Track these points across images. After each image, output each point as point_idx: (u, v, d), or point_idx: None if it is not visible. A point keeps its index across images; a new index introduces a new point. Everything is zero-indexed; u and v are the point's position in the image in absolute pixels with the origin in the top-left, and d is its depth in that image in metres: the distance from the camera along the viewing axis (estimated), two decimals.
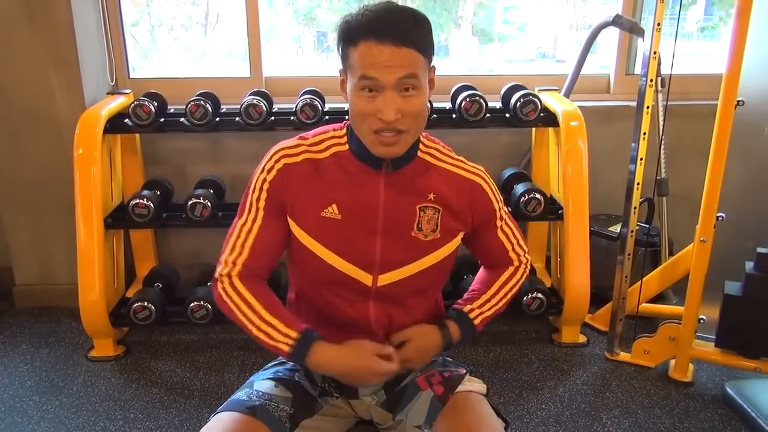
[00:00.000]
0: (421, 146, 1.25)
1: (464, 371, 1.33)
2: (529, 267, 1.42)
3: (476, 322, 1.33)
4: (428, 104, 1.18)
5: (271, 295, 1.25)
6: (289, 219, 1.23)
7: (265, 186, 1.22)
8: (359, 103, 1.13)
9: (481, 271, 1.45)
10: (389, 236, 1.23)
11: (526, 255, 1.41)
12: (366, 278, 1.24)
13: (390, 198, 1.22)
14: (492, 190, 1.31)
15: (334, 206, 1.21)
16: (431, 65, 1.18)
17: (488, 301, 1.36)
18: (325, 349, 1.19)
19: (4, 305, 2.73)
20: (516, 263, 1.40)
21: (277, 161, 1.22)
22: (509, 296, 1.39)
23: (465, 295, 1.39)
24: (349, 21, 1.13)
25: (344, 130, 1.25)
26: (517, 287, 1.40)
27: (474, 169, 1.30)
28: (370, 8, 1.12)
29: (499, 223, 1.34)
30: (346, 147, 1.23)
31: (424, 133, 1.26)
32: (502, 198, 1.34)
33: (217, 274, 1.24)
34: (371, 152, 1.17)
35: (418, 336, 1.29)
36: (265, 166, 1.23)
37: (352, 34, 1.12)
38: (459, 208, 1.27)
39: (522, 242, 1.40)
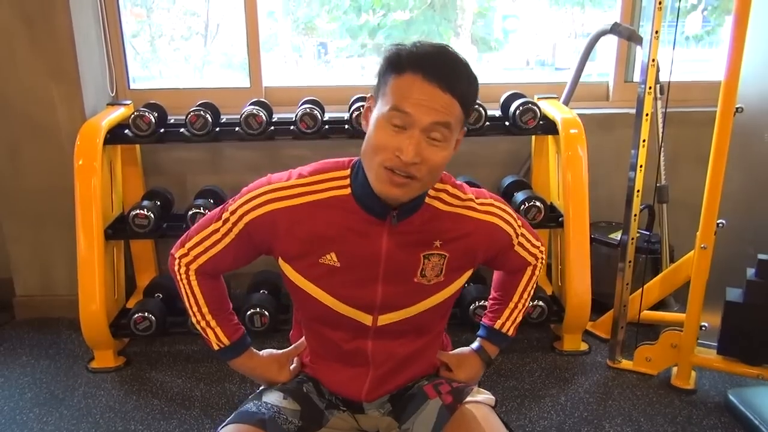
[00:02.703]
0: (429, 191, 1.17)
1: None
2: (544, 257, 1.41)
3: (510, 333, 1.40)
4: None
5: (220, 294, 1.32)
6: (282, 262, 1.21)
7: (246, 219, 1.18)
8: (381, 134, 1.05)
9: (499, 274, 1.44)
10: (391, 283, 1.19)
11: (540, 249, 1.39)
12: (366, 318, 1.22)
13: (393, 248, 1.16)
14: (508, 221, 1.25)
15: (333, 254, 1.16)
16: (464, 127, 1.13)
17: (515, 308, 1.40)
18: (241, 363, 1.33)
19: (5, 316, 2.72)
20: (533, 262, 1.38)
21: (265, 203, 1.16)
22: (532, 293, 1.43)
23: (489, 305, 1.43)
24: (400, 49, 1.07)
25: (348, 171, 1.17)
26: (536, 281, 1.42)
27: (485, 208, 1.22)
28: (427, 45, 1.06)
29: (515, 242, 1.30)
30: (348, 191, 1.15)
31: None
32: (515, 215, 1.28)
33: (177, 254, 1.28)
34: (374, 189, 1.09)
35: (461, 365, 1.36)
36: (251, 199, 1.18)
37: (401, 62, 1.05)
38: (469, 250, 1.22)
39: (534, 240, 1.36)
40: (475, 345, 1.41)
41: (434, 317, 1.29)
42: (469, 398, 1.25)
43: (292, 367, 1.35)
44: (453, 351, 1.41)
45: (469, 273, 1.26)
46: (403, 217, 1.15)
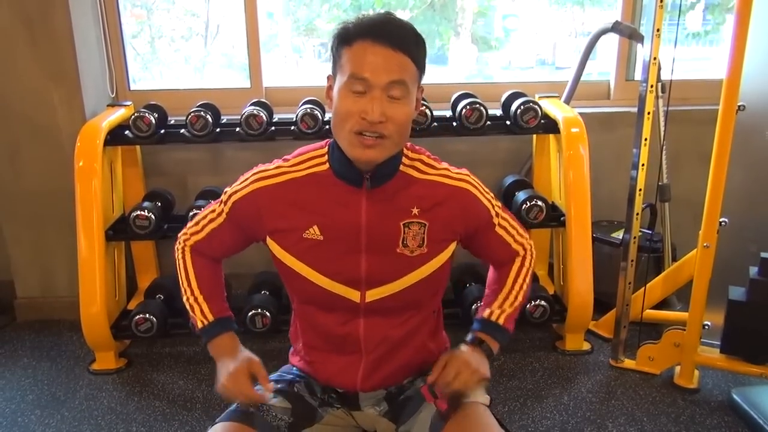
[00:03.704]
0: (404, 159, 1.23)
1: None
2: (533, 250, 1.40)
3: (501, 322, 1.32)
4: (411, 123, 1.19)
5: (212, 274, 1.36)
6: (269, 240, 1.25)
7: (233, 198, 1.25)
8: (345, 102, 1.12)
9: (491, 272, 1.43)
10: (374, 254, 1.22)
11: (529, 241, 1.39)
12: (354, 295, 1.23)
13: (372, 216, 1.20)
14: (482, 192, 1.27)
15: (315, 227, 1.20)
16: (420, 85, 1.18)
17: (506, 299, 1.35)
18: (219, 347, 1.30)
19: (6, 319, 2.72)
20: (521, 252, 1.38)
21: (250, 183, 1.24)
22: (525, 287, 1.37)
23: (482, 301, 1.39)
24: (347, 23, 1.14)
25: (325, 149, 1.24)
26: (529, 275, 1.38)
27: (459, 176, 1.25)
28: (370, 15, 1.14)
29: (495, 220, 1.31)
30: (326, 166, 1.22)
31: (408, 144, 1.24)
32: (492, 195, 1.31)
33: (179, 234, 1.38)
34: (349, 156, 1.15)
35: (454, 356, 1.24)
36: (240, 182, 1.26)
37: (349, 34, 1.13)
38: (448, 220, 1.24)
39: (521, 230, 1.37)
40: (467, 338, 1.33)
41: (423, 295, 1.29)
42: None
43: (258, 392, 1.23)
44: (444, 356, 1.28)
45: (452, 247, 1.27)
46: (379, 183, 1.19)
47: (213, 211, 1.31)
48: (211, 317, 1.31)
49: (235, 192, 1.25)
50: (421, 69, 1.16)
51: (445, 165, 1.27)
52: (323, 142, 1.25)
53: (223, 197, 1.28)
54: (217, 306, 1.33)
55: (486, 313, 1.33)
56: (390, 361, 1.31)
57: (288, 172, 1.23)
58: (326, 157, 1.23)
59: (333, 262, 1.22)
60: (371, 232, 1.20)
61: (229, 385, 1.22)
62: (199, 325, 1.31)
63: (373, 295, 1.23)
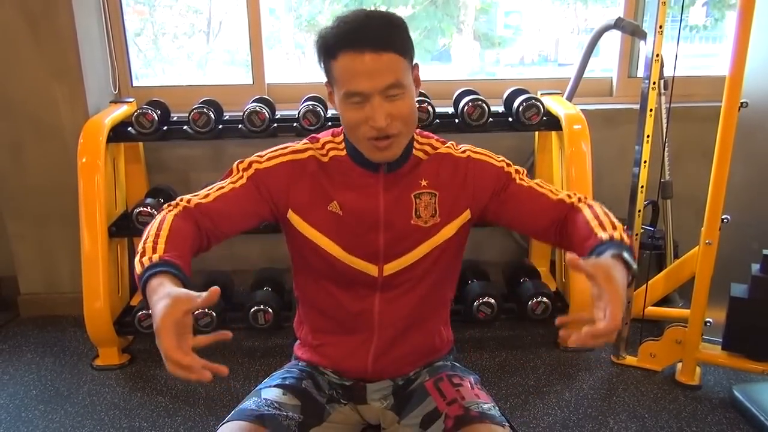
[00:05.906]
0: (415, 144, 1.27)
1: (473, 378, 1.31)
2: (588, 199, 1.24)
3: (626, 240, 1.10)
4: (416, 104, 1.19)
5: (187, 236, 1.14)
6: (291, 214, 1.26)
7: (256, 166, 1.25)
8: (349, 114, 1.16)
9: (567, 230, 1.21)
10: (391, 229, 1.25)
11: (576, 193, 1.25)
12: (372, 269, 1.26)
13: (389, 199, 1.25)
14: (489, 156, 1.29)
15: (336, 203, 1.25)
16: (414, 63, 1.19)
17: (604, 228, 1.12)
18: (159, 287, 0.99)
19: (9, 314, 2.73)
20: (574, 200, 1.23)
21: (279, 155, 1.27)
22: (612, 220, 1.15)
23: (576, 250, 1.14)
24: (325, 35, 1.14)
25: (341, 136, 1.28)
26: (608, 213, 1.18)
27: (463, 151, 1.30)
28: (345, 19, 1.13)
29: (515, 176, 1.27)
30: (344, 152, 1.27)
31: (417, 131, 1.28)
32: (509, 161, 1.29)
33: (174, 201, 1.21)
34: (369, 159, 1.21)
35: (609, 274, 0.97)
36: (264, 155, 1.27)
37: (329, 47, 1.13)
38: (458, 185, 1.27)
39: (558, 188, 1.27)
40: (605, 254, 1.04)
41: (439, 266, 1.30)
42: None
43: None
44: (585, 261, 1.01)
45: (466, 215, 1.28)
46: (394, 168, 1.25)
47: (224, 180, 1.26)
48: (158, 257, 1.05)
49: (260, 162, 1.26)
50: (410, 55, 1.16)
51: (452, 143, 1.32)
52: (340, 129, 1.27)
53: (241, 165, 1.26)
54: (175, 253, 1.07)
55: (602, 236, 1.09)
56: (401, 344, 1.31)
57: (313, 150, 1.27)
58: (343, 144, 1.27)
59: (352, 237, 1.25)
60: (388, 213, 1.25)
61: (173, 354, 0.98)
62: (146, 263, 1.04)
63: (391, 268, 1.26)
